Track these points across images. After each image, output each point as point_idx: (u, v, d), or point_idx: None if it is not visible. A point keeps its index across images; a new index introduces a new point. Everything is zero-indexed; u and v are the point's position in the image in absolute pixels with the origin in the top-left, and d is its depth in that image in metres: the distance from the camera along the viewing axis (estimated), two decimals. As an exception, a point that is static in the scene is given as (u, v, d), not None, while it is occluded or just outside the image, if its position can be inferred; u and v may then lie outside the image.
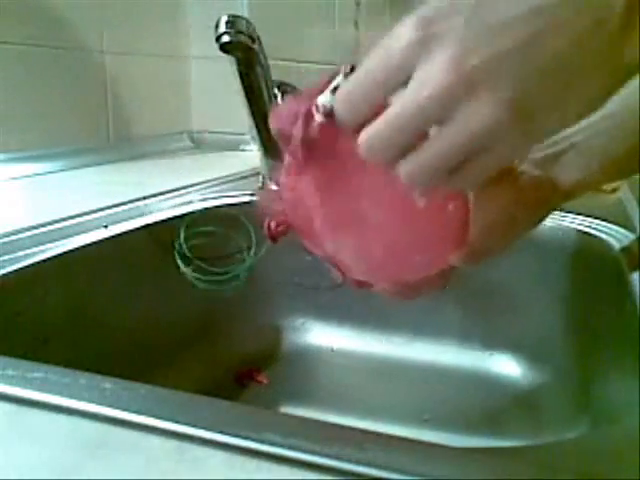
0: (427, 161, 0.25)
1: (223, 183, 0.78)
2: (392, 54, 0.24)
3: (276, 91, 0.66)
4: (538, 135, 0.25)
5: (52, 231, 0.52)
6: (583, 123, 0.32)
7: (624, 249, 0.54)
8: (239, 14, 0.57)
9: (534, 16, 0.23)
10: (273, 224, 0.36)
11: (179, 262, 0.57)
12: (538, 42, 0.23)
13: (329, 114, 0.26)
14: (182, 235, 0.57)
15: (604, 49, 0.23)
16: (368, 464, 0.22)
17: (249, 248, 0.61)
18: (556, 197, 0.33)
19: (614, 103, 0.26)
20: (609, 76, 0.24)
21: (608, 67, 0.24)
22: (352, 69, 0.26)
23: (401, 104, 0.24)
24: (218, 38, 0.56)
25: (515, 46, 0.23)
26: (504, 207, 0.32)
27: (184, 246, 0.57)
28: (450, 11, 0.23)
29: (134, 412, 0.25)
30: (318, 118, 0.27)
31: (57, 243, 0.49)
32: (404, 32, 0.24)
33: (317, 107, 0.27)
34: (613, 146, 0.33)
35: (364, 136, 0.25)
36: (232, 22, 0.56)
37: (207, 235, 0.63)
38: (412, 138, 0.25)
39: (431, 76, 0.23)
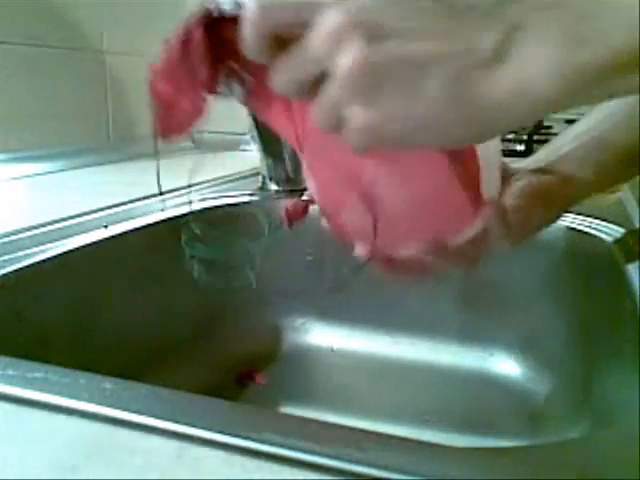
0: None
1: (223, 183, 0.78)
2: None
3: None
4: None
5: (52, 231, 0.52)
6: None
7: (618, 241, 0.54)
8: (239, 14, 0.57)
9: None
10: (291, 206, 0.36)
11: (190, 262, 0.57)
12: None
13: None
14: (189, 232, 0.57)
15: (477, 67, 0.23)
16: (368, 464, 0.22)
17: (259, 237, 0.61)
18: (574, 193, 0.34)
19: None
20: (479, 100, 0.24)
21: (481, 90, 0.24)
22: None
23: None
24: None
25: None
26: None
27: (191, 244, 0.57)
28: None
29: (134, 412, 0.25)
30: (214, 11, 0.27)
31: (57, 243, 0.49)
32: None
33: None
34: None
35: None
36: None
37: (213, 232, 0.63)
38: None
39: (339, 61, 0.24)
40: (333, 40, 0.23)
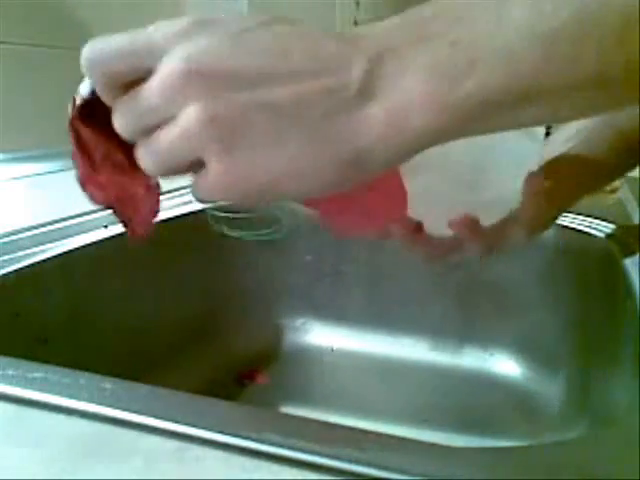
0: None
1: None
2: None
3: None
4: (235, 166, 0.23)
5: (52, 231, 0.52)
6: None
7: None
8: (239, 14, 0.57)
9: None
10: None
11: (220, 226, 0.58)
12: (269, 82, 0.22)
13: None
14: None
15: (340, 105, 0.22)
16: (368, 464, 0.22)
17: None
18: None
19: None
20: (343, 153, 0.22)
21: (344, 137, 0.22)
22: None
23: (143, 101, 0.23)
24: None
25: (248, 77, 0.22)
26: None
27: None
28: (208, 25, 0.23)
29: (134, 412, 0.25)
30: (79, 101, 0.26)
31: (57, 243, 0.49)
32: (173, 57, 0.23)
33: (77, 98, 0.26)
34: None
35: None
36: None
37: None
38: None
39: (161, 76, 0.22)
40: (170, 91, 0.22)
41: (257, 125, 0.22)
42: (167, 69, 0.22)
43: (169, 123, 0.23)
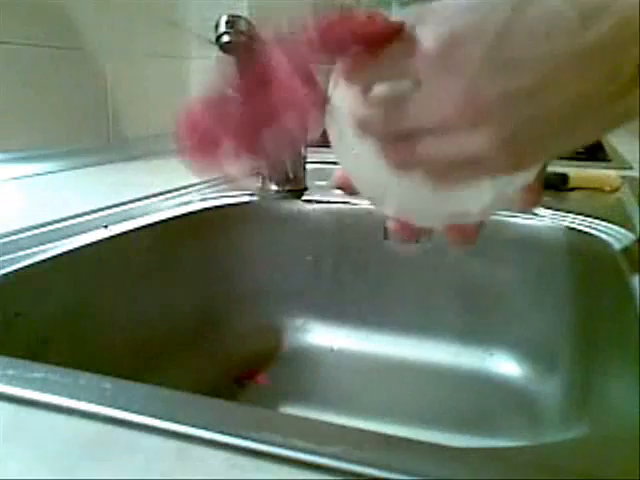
0: (418, 157, 0.26)
1: (223, 183, 0.78)
2: (411, 56, 0.25)
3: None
4: (521, 168, 0.26)
5: (52, 231, 0.52)
6: None
7: (624, 250, 0.54)
8: (239, 14, 0.57)
9: (550, 60, 0.23)
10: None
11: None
12: (548, 89, 0.23)
13: None
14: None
15: (606, 103, 0.23)
16: (368, 464, 0.22)
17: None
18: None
19: None
20: (603, 127, 0.26)
21: (606, 119, 0.25)
22: None
23: (413, 114, 0.25)
24: (218, 38, 0.56)
25: (525, 89, 0.23)
26: None
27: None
28: (472, 35, 0.24)
29: (134, 412, 0.25)
30: None
31: (57, 243, 0.49)
32: (427, 39, 0.24)
33: None
34: None
35: (367, 112, 0.26)
36: (232, 22, 0.56)
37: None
38: (409, 132, 0.26)
39: (442, 103, 0.24)
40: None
41: (542, 138, 0.24)
42: (449, 102, 0.24)
43: (443, 138, 0.25)
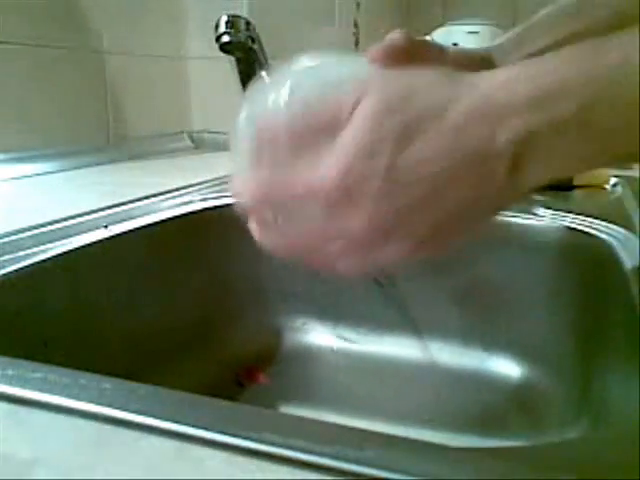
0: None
1: (223, 183, 0.78)
2: (316, 193, 0.28)
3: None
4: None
5: (52, 231, 0.52)
6: None
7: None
8: (239, 14, 0.57)
9: (434, 176, 0.27)
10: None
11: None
12: (437, 197, 0.27)
13: None
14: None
15: (493, 193, 0.27)
16: (368, 464, 0.22)
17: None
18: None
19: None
20: (494, 212, 0.29)
21: (495, 206, 0.29)
22: None
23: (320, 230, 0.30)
24: (218, 38, 0.56)
25: (418, 201, 0.27)
26: None
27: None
28: (368, 172, 0.27)
29: (134, 412, 0.25)
30: None
31: (57, 243, 0.49)
32: (330, 178, 0.27)
33: None
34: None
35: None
36: (232, 22, 0.56)
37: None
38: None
39: (350, 225, 0.28)
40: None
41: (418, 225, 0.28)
42: (357, 224, 0.29)
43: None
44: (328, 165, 0.28)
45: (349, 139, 0.27)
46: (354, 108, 0.28)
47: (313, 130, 0.29)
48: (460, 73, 0.28)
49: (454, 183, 0.27)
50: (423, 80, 0.28)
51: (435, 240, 0.29)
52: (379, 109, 0.27)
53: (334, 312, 0.71)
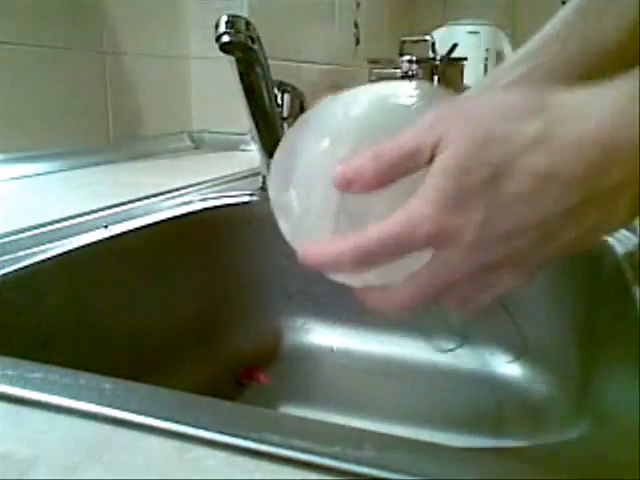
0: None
1: (223, 183, 0.78)
2: (414, 236, 0.27)
3: (276, 91, 0.66)
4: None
5: (52, 231, 0.52)
6: None
7: (628, 255, 0.53)
8: (239, 14, 0.57)
9: (536, 226, 0.26)
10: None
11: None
12: (548, 239, 0.27)
13: None
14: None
15: (614, 225, 0.27)
16: (368, 464, 0.22)
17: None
18: None
19: None
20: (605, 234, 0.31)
21: (607, 231, 0.29)
22: None
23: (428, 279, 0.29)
24: (218, 38, 0.56)
25: (528, 245, 0.27)
26: None
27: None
28: (470, 203, 0.26)
29: (134, 412, 0.25)
30: None
31: (57, 243, 0.49)
32: (427, 215, 0.26)
33: None
34: None
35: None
36: (232, 22, 0.56)
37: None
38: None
39: (453, 261, 0.28)
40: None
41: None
42: (459, 260, 0.28)
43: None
44: (412, 215, 0.27)
45: (433, 190, 0.26)
46: (433, 152, 0.27)
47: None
48: (540, 95, 0.27)
49: (568, 220, 0.26)
50: (501, 115, 0.26)
51: (547, 264, 0.30)
52: (460, 162, 0.26)
53: (334, 312, 0.71)
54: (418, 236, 0.26)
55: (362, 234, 0.27)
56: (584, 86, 0.26)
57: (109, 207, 0.61)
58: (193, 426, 0.24)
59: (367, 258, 0.27)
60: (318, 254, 0.29)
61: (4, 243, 0.48)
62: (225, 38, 0.56)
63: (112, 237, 0.54)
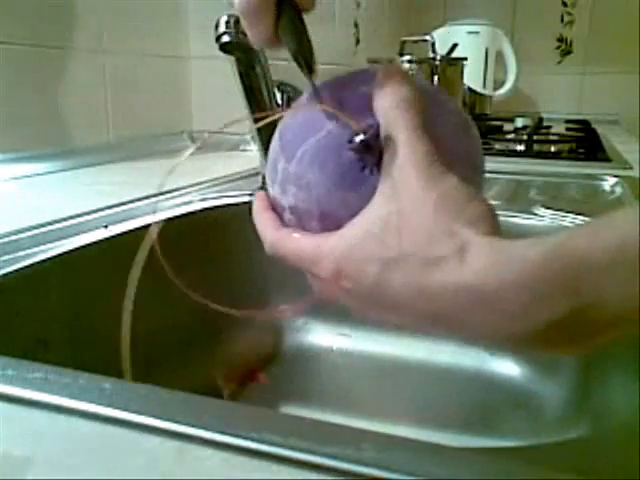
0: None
1: (223, 183, 0.78)
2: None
3: (276, 91, 0.66)
4: None
5: (52, 231, 0.52)
6: None
7: None
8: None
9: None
10: None
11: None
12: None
13: None
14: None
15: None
16: (368, 464, 0.22)
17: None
18: None
19: None
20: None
21: None
22: None
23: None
24: (218, 38, 0.56)
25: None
26: None
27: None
28: (359, 274, 0.29)
29: (134, 412, 0.25)
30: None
31: (57, 243, 0.49)
32: (323, 268, 0.30)
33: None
34: None
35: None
36: (232, 22, 0.56)
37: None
38: None
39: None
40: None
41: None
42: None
43: None
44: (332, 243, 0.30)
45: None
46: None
47: None
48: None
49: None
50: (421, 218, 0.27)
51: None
52: (372, 233, 0.28)
53: (334, 312, 0.71)
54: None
55: (284, 236, 0.35)
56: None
57: (109, 207, 0.61)
58: (193, 426, 0.24)
59: (278, 257, 0.36)
60: (257, 215, 0.38)
61: (4, 243, 0.48)
62: (225, 38, 0.56)
63: (112, 237, 0.54)
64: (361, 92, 0.32)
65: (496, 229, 0.27)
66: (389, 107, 0.29)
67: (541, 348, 0.26)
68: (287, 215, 0.35)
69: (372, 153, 0.29)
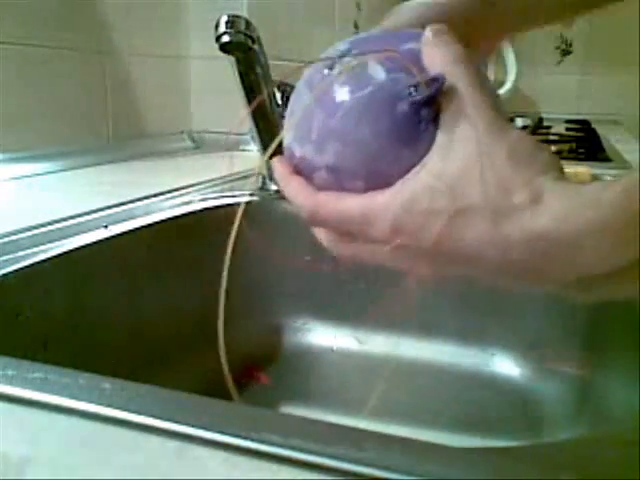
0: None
1: (223, 183, 0.78)
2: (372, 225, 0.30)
3: (276, 91, 0.66)
4: None
5: (52, 231, 0.52)
6: None
7: None
8: (239, 14, 0.57)
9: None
10: None
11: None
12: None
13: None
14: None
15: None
16: (368, 464, 0.22)
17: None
18: None
19: None
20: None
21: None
22: None
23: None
24: (218, 38, 0.56)
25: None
26: None
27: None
28: (418, 228, 0.28)
29: (134, 412, 0.25)
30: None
31: (57, 243, 0.49)
32: (379, 227, 0.29)
33: None
34: None
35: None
36: (232, 22, 0.56)
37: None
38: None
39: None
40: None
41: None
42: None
43: None
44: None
45: (402, 190, 0.28)
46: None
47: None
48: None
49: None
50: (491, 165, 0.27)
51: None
52: (434, 186, 0.27)
53: (334, 312, 0.71)
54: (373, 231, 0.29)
55: (326, 200, 0.31)
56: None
57: (109, 207, 0.61)
58: (193, 426, 0.24)
59: (319, 223, 0.33)
60: (285, 181, 0.34)
61: (4, 243, 0.48)
62: (225, 38, 0.56)
63: (112, 237, 0.54)
64: (407, 48, 0.31)
65: (565, 175, 0.27)
66: (449, 62, 0.29)
67: (613, 292, 0.28)
68: (322, 175, 0.32)
69: (432, 107, 0.28)
